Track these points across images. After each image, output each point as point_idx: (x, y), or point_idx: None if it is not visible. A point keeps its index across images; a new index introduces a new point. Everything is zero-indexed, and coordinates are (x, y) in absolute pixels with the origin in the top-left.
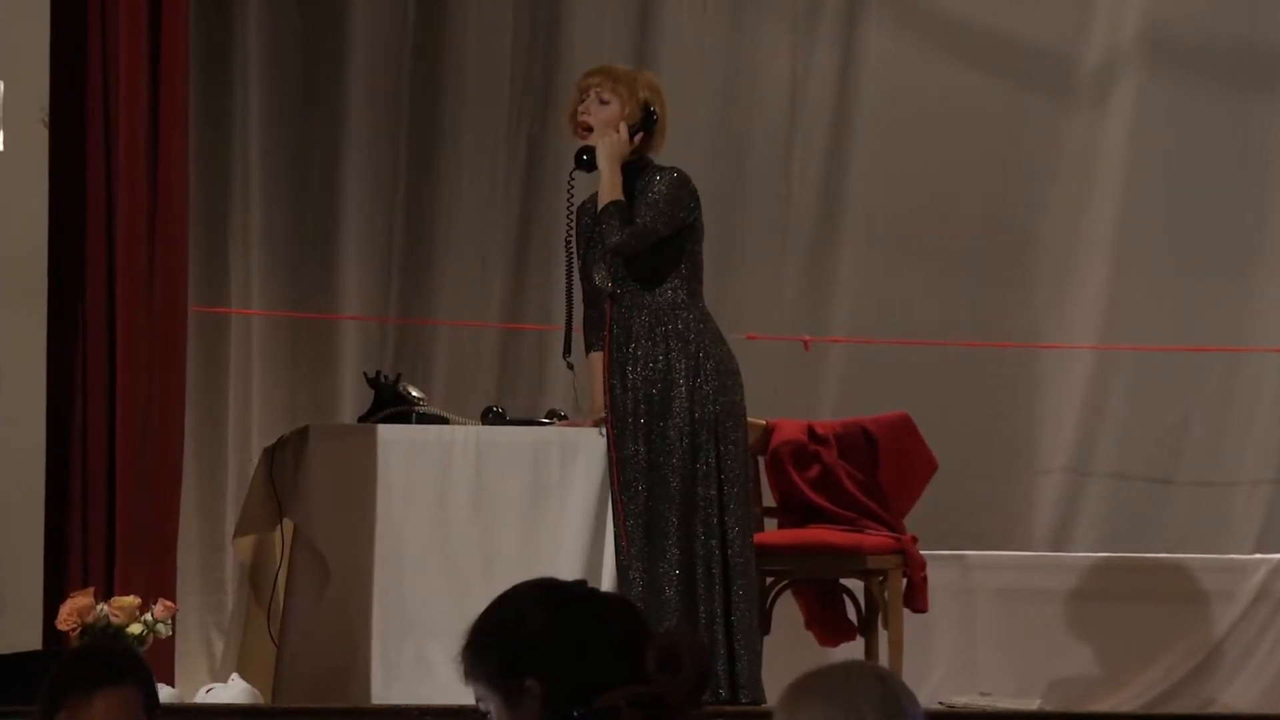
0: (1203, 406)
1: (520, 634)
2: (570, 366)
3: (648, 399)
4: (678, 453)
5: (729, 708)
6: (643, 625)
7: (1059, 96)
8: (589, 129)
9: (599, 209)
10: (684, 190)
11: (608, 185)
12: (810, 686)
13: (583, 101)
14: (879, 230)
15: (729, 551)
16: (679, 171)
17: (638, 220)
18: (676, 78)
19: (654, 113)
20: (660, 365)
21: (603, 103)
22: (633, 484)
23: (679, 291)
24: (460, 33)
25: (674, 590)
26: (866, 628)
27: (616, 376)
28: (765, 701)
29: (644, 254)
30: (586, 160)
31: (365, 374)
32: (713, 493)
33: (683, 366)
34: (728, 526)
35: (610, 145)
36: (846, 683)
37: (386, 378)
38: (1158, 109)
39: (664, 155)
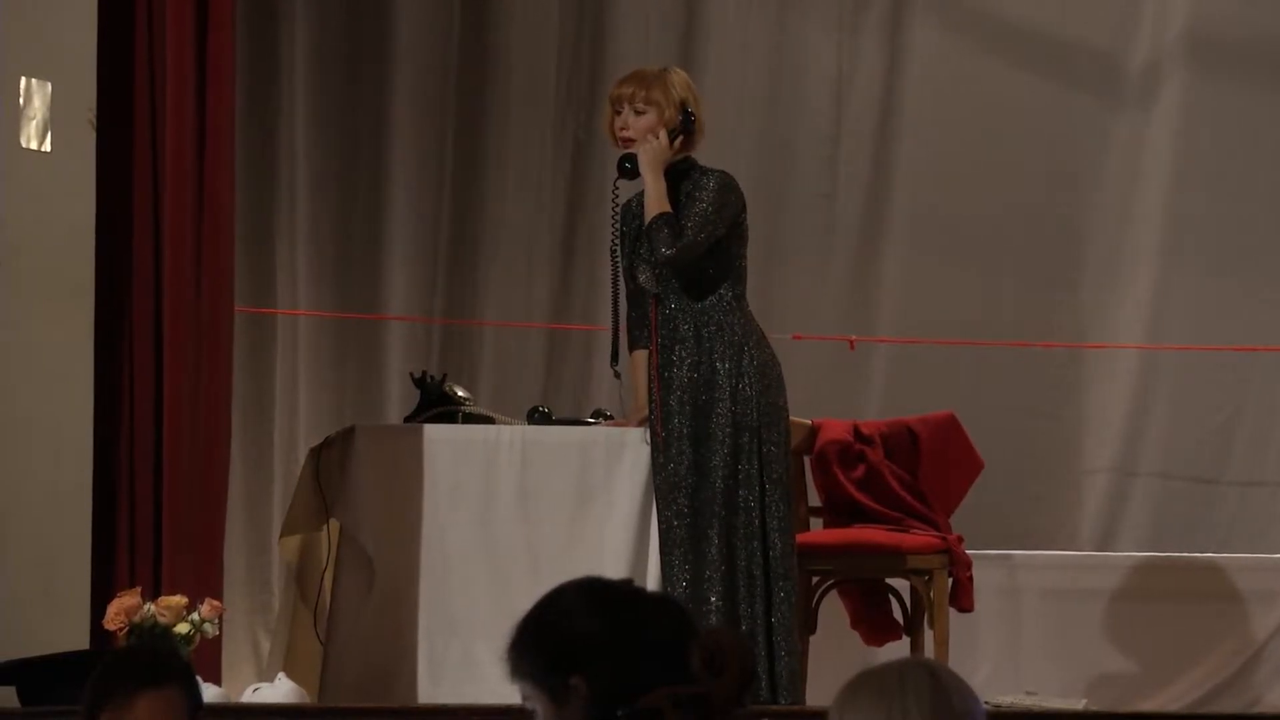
0: (1249, 406)
1: (566, 632)
2: (618, 375)
3: (693, 402)
4: (720, 455)
5: (773, 708)
6: (688, 625)
7: (1105, 96)
8: (631, 141)
9: (646, 223)
10: (731, 194)
11: (653, 195)
12: (862, 683)
13: (618, 114)
14: (924, 230)
15: (770, 554)
16: (725, 175)
17: (687, 233)
18: (721, 78)
19: (691, 114)
20: (704, 368)
21: (639, 113)
22: (676, 486)
23: (723, 294)
24: (506, 35)
25: (715, 592)
26: (912, 627)
27: (661, 380)
28: (804, 703)
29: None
30: (629, 168)
31: (411, 374)
32: (755, 495)
33: (726, 369)
34: (769, 529)
35: (651, 152)
36: (897, 679)
37: (432, 378)
38: (1204, 108)
39: (709, 155)
